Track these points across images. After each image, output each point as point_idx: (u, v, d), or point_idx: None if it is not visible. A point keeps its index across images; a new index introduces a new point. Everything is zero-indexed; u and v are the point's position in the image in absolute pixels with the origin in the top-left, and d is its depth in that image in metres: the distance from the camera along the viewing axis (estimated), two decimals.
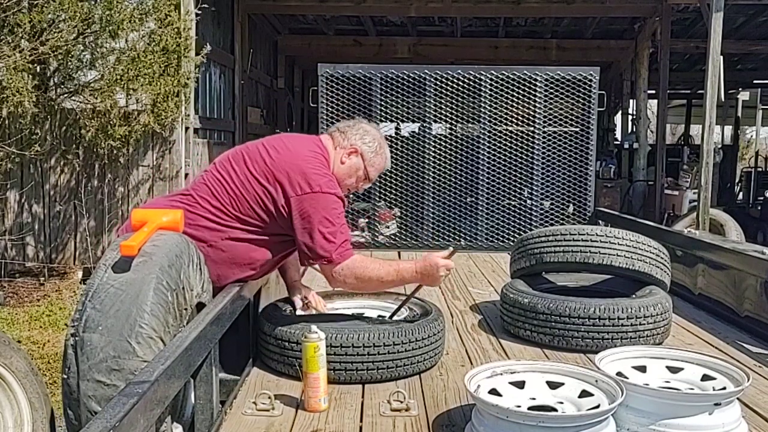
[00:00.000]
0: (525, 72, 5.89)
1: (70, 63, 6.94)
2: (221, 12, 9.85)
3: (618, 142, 13.28)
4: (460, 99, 5.92)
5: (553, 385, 2.10)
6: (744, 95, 13.83)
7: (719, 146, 13.26)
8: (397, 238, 6.07)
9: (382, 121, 6.01)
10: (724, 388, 2.09)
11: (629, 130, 13.47)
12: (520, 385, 2.11)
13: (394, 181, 5.96)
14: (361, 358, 2.51)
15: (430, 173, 5.97)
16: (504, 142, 5.95)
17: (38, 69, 6.89)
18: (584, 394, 2.03)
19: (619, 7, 11.25)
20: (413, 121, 6.36)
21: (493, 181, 5.96)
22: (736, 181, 14.04)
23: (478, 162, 5.96)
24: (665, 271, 3.31)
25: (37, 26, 6.35)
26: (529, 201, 6.03)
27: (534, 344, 3.08)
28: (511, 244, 4.87)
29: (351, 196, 2.83)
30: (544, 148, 5.95)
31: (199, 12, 7.34)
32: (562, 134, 5.98)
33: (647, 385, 2.09)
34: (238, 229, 2.66)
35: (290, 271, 3.10)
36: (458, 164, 6.02)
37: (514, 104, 5.88)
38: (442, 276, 2.67)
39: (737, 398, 2.05)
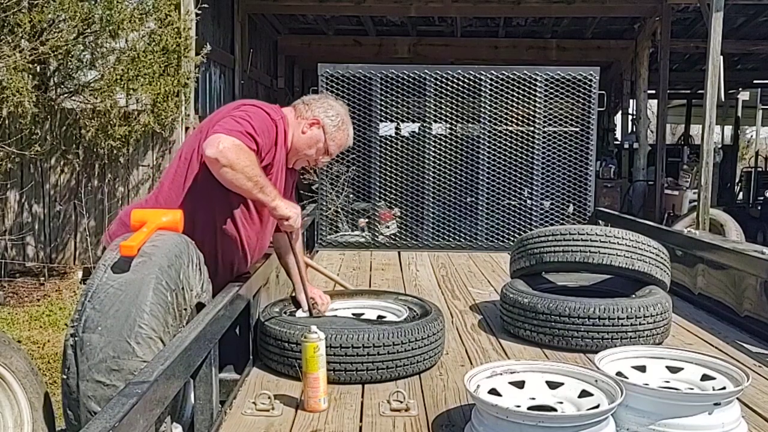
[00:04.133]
0: (525, 72, 5.89)
1: (70, 63, 6.95)
2: (221, 12, 9.85)
3: (618, 142, 13.28)
4: (460, 99, 5.91)
5: (552, 385, 2.10)
6: (744, 95, 13.82)
7: (719, 146, 13.27)
8: (397, 238, 6.06)
9: (382, 121, 6.00)
10: (724, 388, 2.09)
11: (629, 130, 13.47)
12: (519, 385, 2.11)
13: (394, 181, 5.95)
14: (360, 358, 2.51)
15: (430, 173, 5.97)
16: (504, 142, 5.95)
17: (38, 69, 6.89)
18: (584, 394, 2.03)
19: (619, 7, 11.25)
20: (413, 121, 6.36)
21: (493, 181, 5.96)
22: (736, 181, 14.03)
23: (478, 162, 5.95)
24: (665, 271, 3.31)
25: (37, 26, 6.36)
26: (529, 201, 6.03)
27: (534, 344, 3.08)
28: (511, 244, 4.86)
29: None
30: (544, 148, 5.95)
31: (199, 12, 7.34)
32: (562, 134, 5.98)
33: (647, 385, 2.09)
34: (193, 195, 2.64)
35: (294, 269, 3.07)
36: (458, 164, 6.02)
37: (514, 104, 5.88)
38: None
39: (737, 398, 2.06)
